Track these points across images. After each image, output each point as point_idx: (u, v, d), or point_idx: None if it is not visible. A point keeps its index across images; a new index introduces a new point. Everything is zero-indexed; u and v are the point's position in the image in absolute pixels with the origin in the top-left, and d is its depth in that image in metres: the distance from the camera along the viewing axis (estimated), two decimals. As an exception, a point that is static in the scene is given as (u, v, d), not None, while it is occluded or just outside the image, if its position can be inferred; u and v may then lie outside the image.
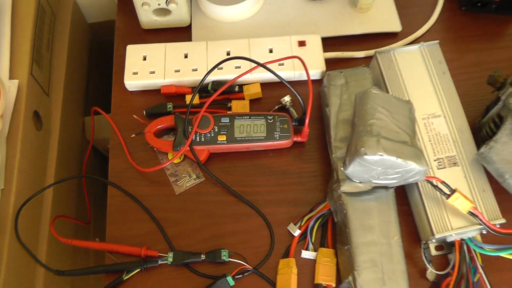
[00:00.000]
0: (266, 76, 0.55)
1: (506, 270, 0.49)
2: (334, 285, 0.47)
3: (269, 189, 0.52)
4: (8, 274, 0.46)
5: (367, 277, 0.43)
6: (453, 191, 0.45)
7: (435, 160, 0.49)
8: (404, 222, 0.50)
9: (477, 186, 0.48)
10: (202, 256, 0.47)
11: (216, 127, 0.51)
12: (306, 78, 0.49)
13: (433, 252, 0.49)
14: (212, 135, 0.51)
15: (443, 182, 0.45)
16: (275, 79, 0.51)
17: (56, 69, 0.64)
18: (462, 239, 0.47)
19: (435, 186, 0.46)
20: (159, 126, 0.52)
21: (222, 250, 0.47)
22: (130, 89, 0.56)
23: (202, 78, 0.52)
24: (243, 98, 0.55)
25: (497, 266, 0.49)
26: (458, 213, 0.46)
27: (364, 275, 0.43)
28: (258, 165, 0.53)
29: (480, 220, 0.45)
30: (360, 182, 0.47)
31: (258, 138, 0.51)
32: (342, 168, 0.45)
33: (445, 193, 0.45)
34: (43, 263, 0.50)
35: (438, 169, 0.49)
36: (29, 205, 0.50)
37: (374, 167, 0.43)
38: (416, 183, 0.48)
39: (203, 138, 0.51)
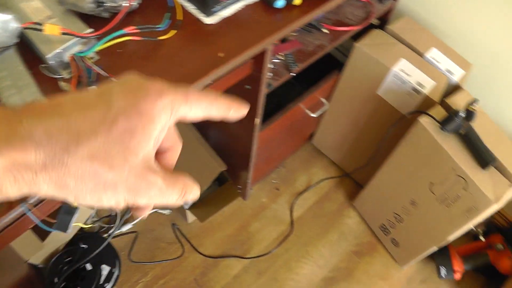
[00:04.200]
0: None
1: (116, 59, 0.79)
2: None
3: None
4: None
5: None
6: (41, 24, 0.67)
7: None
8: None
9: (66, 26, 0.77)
10: None
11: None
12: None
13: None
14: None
15: (36, 23, 0.71)
16: None
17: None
18: (74, 55, 0.74)
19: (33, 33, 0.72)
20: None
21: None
22: None
23: None
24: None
25: (112, 70, 0.78)
26: (58, 38, 0.70)
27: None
28: None
29: (72, 34, 0.72)
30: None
31: None
32: None
33: (38, 30, 0.68)
34: None
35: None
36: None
37: None
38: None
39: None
